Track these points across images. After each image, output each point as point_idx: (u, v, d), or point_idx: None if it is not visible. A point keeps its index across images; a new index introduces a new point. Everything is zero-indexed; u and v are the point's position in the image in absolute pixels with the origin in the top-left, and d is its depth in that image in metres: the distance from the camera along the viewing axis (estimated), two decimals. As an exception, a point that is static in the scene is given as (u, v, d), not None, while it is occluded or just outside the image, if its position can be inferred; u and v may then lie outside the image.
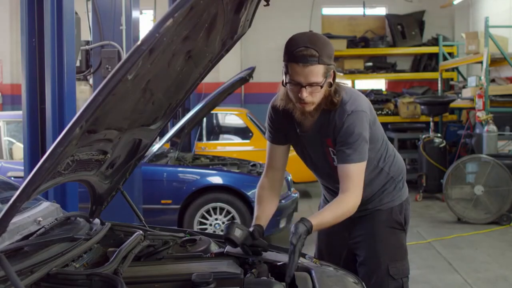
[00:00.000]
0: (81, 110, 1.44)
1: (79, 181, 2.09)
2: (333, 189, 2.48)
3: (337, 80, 2.23)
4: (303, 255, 2.24)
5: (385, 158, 2.44)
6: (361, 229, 2.46)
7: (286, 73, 2.15)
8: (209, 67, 2.27)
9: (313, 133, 2.32)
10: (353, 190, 2.19)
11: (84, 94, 5.65)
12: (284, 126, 2.38)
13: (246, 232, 2.08)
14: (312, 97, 2.16)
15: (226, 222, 2.11)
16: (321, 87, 2.14)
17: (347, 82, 11.58)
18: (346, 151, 2.19)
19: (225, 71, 10.42)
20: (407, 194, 2.56)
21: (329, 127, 2.25)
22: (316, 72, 2.10)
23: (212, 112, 7.57)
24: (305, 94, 2.13)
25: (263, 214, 2.31)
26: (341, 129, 2.20)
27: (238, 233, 2.06)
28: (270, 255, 2.14)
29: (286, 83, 2.17)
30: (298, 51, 2.08)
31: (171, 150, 6.61)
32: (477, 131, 8.01)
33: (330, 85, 2.19)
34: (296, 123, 2.35)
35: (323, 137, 2.28)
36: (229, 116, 8.99)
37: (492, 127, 7.53)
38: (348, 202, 2.19)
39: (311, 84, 2.12)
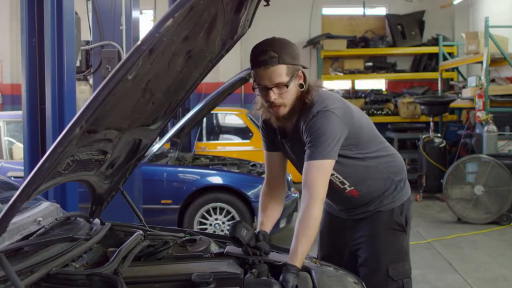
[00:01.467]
0: (81, 110, 1.44)
1: (79, 181, 2.09)
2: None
3: (313, 84, 2.23)
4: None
5: (381, 157, 2.42)
6: (362, 230, 2.46)
7: (254, 81, 2.19)
8: (209, 67, 2.28)
9: (292, 140, 2.32)
10: (314, 195, 2.09)
11: (84, 94, 5.66)
12: (270, 135, 2.41)
13: (252, 233, 2.08)
14: (282, 99, 2.16)
15: (231, 222, 2.13)
16: (287, 86, 2.14)
17: (348, 83, 11.61)
18: (309, 149, 2.16)
19: (225, 71, 10.42)
20: (409, 193, 2.54)
21: (301, 131, 2.24)
22: (279, 73, 2.12)
23: (212, 112, 7.56)
24: (273, 96, 2.14)
25: (268, 220, 2.33)
26: (306, 129, 2.19)
27: (244, 232, 2.06)
28: (270, 255, 2.14)
29: (254, 88, 2.19)
30: (258, 56, 2.12)
31: (171, 150, 6.61)
32: (477, 131, 8.01)
33: (302, 86, 2.19)
34: (277, 131, 2.36)
35: (301, 142, 2.26)
36: (229, 116, 8.99)
37: (492, 127, 7.53)
38: (311, 215, 2.07)
39: (277, 85, 2.13)
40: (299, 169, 2.44)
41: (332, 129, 2.15)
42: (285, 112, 2.20)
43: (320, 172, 2.13)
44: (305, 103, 2.20)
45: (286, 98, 2.16)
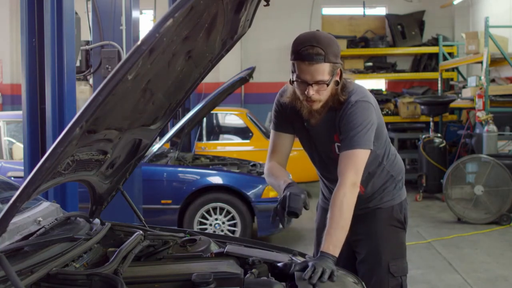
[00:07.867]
0: (81, 110, 1.44)
1: (79, 181, 2.09)
2: (331, 183, 2.48)
3: (344, 76, 2.24)
4: (303, 255, 2.24)
5: (388, 156, 2.45)
6: (363, 226, 2.46)
7: (293, 72, 2.18)
8: (209, 67, 2.28)
9: (320, 129, 2.34)
10: (342, 181, 2.12)
11: (84, 94, 5.65)
12: (290, 119, 2.39)
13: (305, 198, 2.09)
14: (319, 95, 2.18)
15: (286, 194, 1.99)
16: (327, 85, 2.16)
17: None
18: (349, 137, 2.18)
19: (225, 71, 10.42)
20: (405, 194, 2.58)
21: (335, 121, 2.26)
22: (322, 70, 2.13)
23: (212, 112, 7.56)
24: (312, 92, 2.16)
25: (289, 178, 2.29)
26: (344, 118, 2.21)
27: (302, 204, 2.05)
28: (270, 255, 2.14)
29: (293, 81, 2.19)
30: (304, 49, 2.11)
31: (171, 150, 6.61)
32: (477, 131, 8.00)
33: (337, 83, 2.21)
34: (304, 118, 2.36)
35: (331, 132, 2.29)
36: (229, 116, 8.99)
37: (492, 127, 7.53)
38: (344, 199, 2.09)
39: (317, 82, 2.14)
40: (317, 157, 2.44)
41: (370, 120, 2.21)
42: (318, 106, 2.23)
43: (359, 160, 2.16)
44: (339, 102, 2.22)
45: (323, 95, 2.19)
